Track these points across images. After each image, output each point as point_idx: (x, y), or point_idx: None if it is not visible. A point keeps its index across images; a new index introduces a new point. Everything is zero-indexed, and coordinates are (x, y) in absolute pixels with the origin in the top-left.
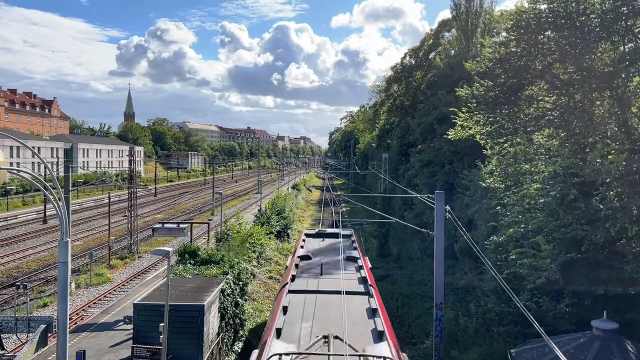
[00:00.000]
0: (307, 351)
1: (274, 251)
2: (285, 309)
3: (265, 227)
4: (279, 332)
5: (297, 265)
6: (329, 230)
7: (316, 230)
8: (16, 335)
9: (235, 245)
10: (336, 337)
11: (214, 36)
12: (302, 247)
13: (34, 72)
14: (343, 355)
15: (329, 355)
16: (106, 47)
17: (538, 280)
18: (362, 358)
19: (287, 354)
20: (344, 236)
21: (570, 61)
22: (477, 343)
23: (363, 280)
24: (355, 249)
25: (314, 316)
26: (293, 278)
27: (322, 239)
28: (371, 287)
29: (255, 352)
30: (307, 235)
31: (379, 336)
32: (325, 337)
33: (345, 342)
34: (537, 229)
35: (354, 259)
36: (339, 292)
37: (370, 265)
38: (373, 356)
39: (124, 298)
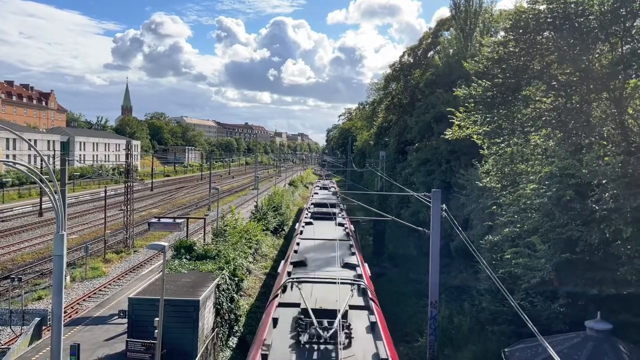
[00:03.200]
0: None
1: (269, 247)
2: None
3: (262, 224)
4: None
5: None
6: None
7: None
8: (10, 327)
9: (232, 242)
10: None
11: (211, 31)
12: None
13: (30, 64)
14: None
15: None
16: (102, 40)
17: (533, 280)
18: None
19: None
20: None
21: (569, 62)
22: (471, 342)
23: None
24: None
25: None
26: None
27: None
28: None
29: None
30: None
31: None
32: None
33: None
34: (532, 229)
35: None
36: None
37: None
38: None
39: (119, 292)
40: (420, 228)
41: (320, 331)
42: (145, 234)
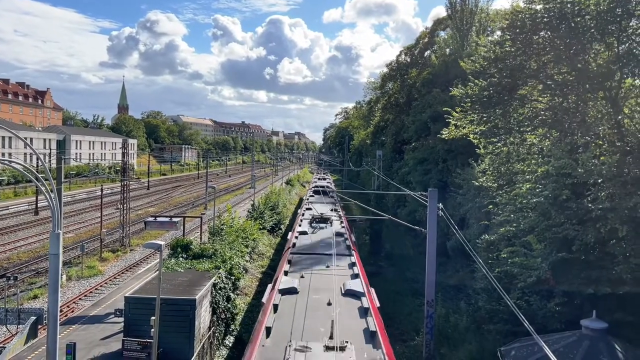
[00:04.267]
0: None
1: (266, 246)
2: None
3: (258, 222)
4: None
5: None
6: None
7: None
8: (6, 326)
9: (228, 241)
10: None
11: (207, 29)
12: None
13: (25, 62)
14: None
15: None
16: (98, 38)
17: (529, 279)
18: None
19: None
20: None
21: (565, 62)
22: (467, 340)
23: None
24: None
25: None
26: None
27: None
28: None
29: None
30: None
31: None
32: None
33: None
34: (528, 228)
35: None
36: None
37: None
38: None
39: (115, 291)
40: (417, 227)
41: (320, 215)
42: (141, 232)
